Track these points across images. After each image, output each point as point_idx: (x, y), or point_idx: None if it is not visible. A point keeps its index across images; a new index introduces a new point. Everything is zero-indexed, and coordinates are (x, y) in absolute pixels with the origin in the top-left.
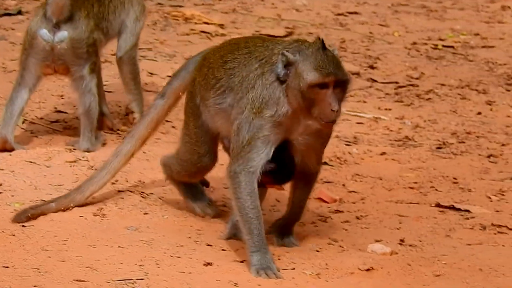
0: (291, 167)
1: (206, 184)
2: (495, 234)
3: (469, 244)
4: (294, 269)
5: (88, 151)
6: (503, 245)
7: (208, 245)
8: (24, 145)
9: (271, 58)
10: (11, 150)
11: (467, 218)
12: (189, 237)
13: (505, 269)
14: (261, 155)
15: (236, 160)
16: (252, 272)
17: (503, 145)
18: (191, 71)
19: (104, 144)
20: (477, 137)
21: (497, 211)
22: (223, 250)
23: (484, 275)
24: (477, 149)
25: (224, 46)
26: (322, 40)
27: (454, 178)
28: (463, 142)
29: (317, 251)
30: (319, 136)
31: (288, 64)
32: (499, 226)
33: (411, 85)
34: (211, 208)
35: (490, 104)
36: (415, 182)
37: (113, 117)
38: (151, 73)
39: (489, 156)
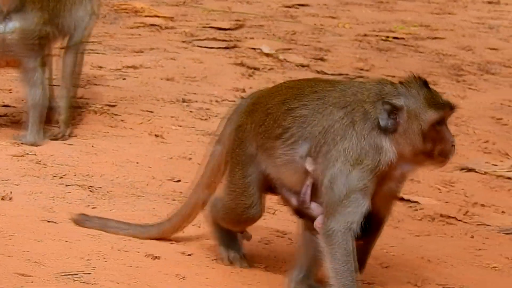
0: (371, 217)
1: (248, 237)
2: (443, 225)
3: (418, 236)
4: None
5: (34, 145)
6: (452, 236)
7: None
8: None
9: (360, 105)
10: None
11: (416, 210)
12: None
13: (454, 260)
14: (362, 209)
15: (333, 216)
16: None
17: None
18: (237, 116)
19: (53, 139)
20: None
21: (446, 202)
22: (171, 243)
23: (432, 266)
24: None
25: (281, 90)
26: (423, 78)
27: None
28: None
29: None
30: (403, 181)
31: (393, 111)
32: (448, 217)
33: (360, 77)
34: (243, 262)
35: None
36: None
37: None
38: (100, 67)
39: None
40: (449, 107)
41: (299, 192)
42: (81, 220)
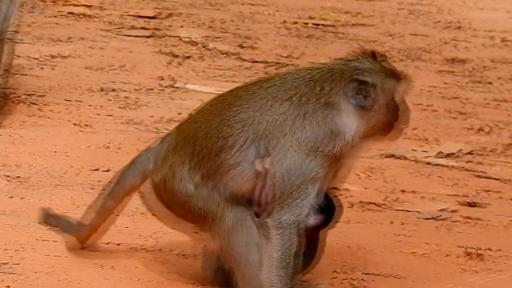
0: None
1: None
2: (363, 211)
3: (337, 222)
4: None
5: None
6: (371, 222)
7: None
8: None
9: (309, 91)
10: None
11: (335, 196)
12: None
13: (373, 246)
14: (310, 200)
15: (281, 208)
16: None
17: None
18: (152, 165)
19: None
20: None
21: (366, 188)
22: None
23: (352, 252)
24: None
25: (205, 110)
26: (371, 51)
27: None
28: None
29: None
30: (356, 157)
31: (362, 88)
32: (367, 203)
33: (279, 63)
34: None
35: None
36: None
37: None
38: (18, 56)
39: None
40: (406, 76)
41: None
42: None
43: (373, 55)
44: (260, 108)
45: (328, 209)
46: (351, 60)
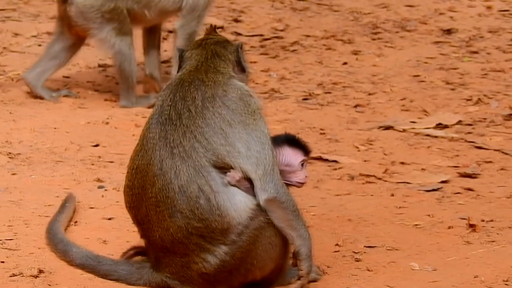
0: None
1: None
2: (363, 184)
3: (338, 195)
4: None
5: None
6: (372, 195)
7: (78, 202)
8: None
9: (206, 79)
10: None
11: (335, 169)
12: (57, 196)
13: (374, 219)
14: (274, 157)
15: (265, 180)
16: (312, 277)
17: (369, 94)
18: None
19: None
20: (344, 87)
21: (365, 160)
22: (91, 208)
23: (353, 225)
24: (344, 99)
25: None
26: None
27: (321, 129)
28: (330, 93)
29: None
30: None
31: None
32: (367, 175)
33: (276, 37)
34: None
35: (356, 54)
36: None
37: None
38: (16, 34)
39: (356, 106)
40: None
41: None
42: None
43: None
44: (180, 110)
45: None
46: (213, 37)
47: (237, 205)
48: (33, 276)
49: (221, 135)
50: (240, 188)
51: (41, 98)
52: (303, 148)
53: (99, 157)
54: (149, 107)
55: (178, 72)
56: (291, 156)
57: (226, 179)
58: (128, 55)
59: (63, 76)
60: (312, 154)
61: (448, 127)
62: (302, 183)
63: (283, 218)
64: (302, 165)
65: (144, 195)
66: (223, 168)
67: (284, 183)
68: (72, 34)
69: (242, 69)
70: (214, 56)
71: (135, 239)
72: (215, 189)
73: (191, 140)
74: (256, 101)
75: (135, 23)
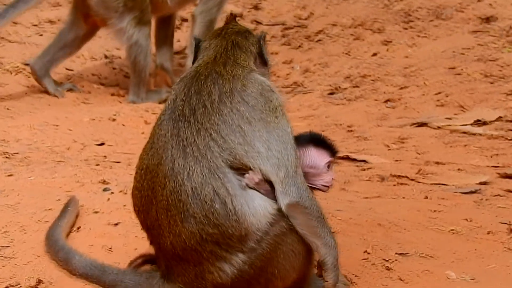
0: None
1: None
2: (394, 185)
3: (367, 198)
4: None
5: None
6: (404, 198)
7: (81, 206)
8: None
9: (227, 74)
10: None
11: (364, 169)
12: (58, 200)
13: (406, 223)
14: (298, 159)
15: (287, 183)
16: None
17: (401, 88)
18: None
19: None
20: (373, 80)
21: (397, 160)
22: (96, 212)
23: (383, 230)
24: (374, 94)
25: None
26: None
27: (349, 126)
28: (358, 87)
29: None
30: None
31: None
32: (399, 176)
33: (299, 26)
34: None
35: (386, 44)
36: None
37: None
38: (15, 23)
39: (386, 101)
40: None
41: None
42: None
43: (234, 18)
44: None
45: None
46: (233, 27)
47: (256, 209)
48: (31, 287)
49: (239, 133)
50: (259, 191)
51: (45, 90)
52: (329, 148)
53: (105, 156)
54: (160, 102)
55: (193, 63)
56: (316, 157)
57: (244, 181)
58: (144, 47)
59: (66, 69)
60: (340, 154)
61: (487, 123)
62: (328, 187)
63: (306, 224)
64: (328, 166)
65: (154, 197)
66: (241, 169)
67: (308, 186)
68: (87, 24)
69: (264, 62)
70: (235, 47)
71: (144, 246)
72: (231, 192)
73: (206, 138)
74: (278, 97)
75: (154, 12)
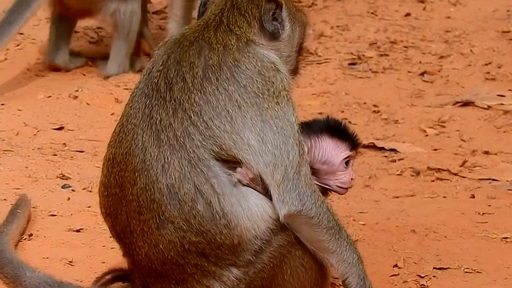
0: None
1: None
2: (432, 181)
3: (397, 197)
4: None
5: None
6: (444, 197)
7: (33, 207)
8: None
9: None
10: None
11: (394, 161)
12: (4, 200)
13: (447, 230)
14: (303, 155)
15: (285, 187)
16: None
17: (441, 57)
18: None
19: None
20: (406, 47)
21: (435, 149)
22: (53, 215)
23: (418, 239)
24: (406, 64)
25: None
26: None
27: (375, 106)
28: (386, 55)
29: None
30: None
31: (274, 11)
32: (438, 170)
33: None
34: None
35: (422, 2)
36: (320, 113)
37: None
38: None
39: (422, 74)
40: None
41: None
42: None
43: None
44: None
45: None
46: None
47: (252, 211)
48: None
49: (225, 118)
50: (256, 189)
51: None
52: (349, 139)
53: (64, 144)
54: (139, 71)
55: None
56: (331, 150)
57: (235, 176)
58: (138, 13)
59: (19, 34)
60: (364, 141)
61: None
62: (346, 188)
63: (313, 238)
64: (346, 163)
65: (123, 197)
66: (231, 162)
67: (321, 187)
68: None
69: (271, 31)
70: (233, 8)
71: (114, 258)
72: (218, 189)
73: (185, 121)
74: (284, 77)
75: None
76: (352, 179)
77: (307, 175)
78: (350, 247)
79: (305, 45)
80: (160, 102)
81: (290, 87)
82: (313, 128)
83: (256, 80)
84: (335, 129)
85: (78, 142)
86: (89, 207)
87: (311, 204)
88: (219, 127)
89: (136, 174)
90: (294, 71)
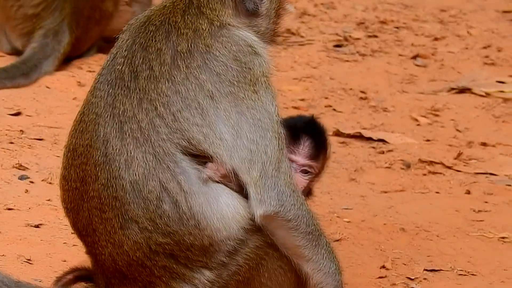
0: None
1: None
2: (424, 175)
3: (386, 192)
4: None
5: None
6: (437, 192)
7: None
8: None
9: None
10: None
11: (382, 152)
12: None
13: (440, 228)
14: (283, 151)
15: (263, 186)
16: None
17: (436, 39)
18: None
19: None
20: (397, 28)
21: (428, 140)
22: (9, 209)
23: (408, 238)
24: (397, 47)
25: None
26: None
27: (362, 92)
28: (376, 37)
29: None
30: None
31: None
32: (431, 163)
33: None
34: None
35: None
36: (302, 99)
37: None
38: None
39: (415, 57)
40: None
41: None
42: None
43: None
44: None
45: None
46: None
47: (223, 212)
48: None
49: (196, 110)
50: (228, 186)
51: None
52: (310, 147)
53: (21, 131)
54: None
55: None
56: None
57: (204, 172)
58: None
59: None
60: (348, 130)
61: None
62: None
63: (288, 243)
64: (303, 171)
65: (84, 192)
66: (200, 156)
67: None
68: None
69: (252, 10)
70: None
71: (76, 256)
72: (186, 187)
73: (150, 113)
74: (263, 61)
75: None
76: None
77: (287, 173)
78: (328, 255)
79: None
80: (124, 91)
81: (270, 72)
82: (290, 121)
83: (231, 67)
84: (294, 128)
85: (36, 129)
86: (49, 200)
87: (290, 205)
88: (188, 119)
89: (98, 169)
90: (273, 40)
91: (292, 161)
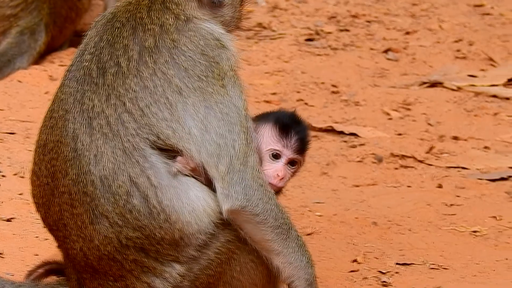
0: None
1: None
2: (396, 169)
3: (357, 186)
4: None
5: None
6: (409, 186)
7: None
8: None
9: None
10: None
11: (354, 146)
12: None
13: (412, 222)
14: (251, 144)
15: (230, 180)
16: None
17: (407, 33)
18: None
19: None
20: (368, 22)
21: (400, 134)
22: None
23: (380, 232)
24: (369, 41)
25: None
26: None
27: (334, 86)
28: (347, 31)
29: None
30: None
31: None
32: (403, 157)
33: None
34: None
35: None
36: (274, 93)
37: None
38: None
39: (386, 51)
40: None
41: None
42: None
43: None
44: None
45: None
46: None
47: (194, 205)
48: None
49: (164, 105)
50: (198, 179)
51: None
52: (290, 138)
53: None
54: None
55: None
56: (264, 137)
57: (174, 166)
58: None
59: None
60: (319, 124)
61: None
62: (273, 184)
63: (257, 237)
64: (274, 156)
65: (55, 188)
66: (169, 151)
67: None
68: None
69: (217, 1)
70: None
71: (48, 250)
72: (155, 182)
73: (118, 108)
74: (230, 55)
75: None
76: (278, 175)
77: (254, 167)
78: (299, 249)
79: None
80: (92, 88)
81: (238, 65)
82: (267, 115)
83: (199, 62)
84: (283, 122)
85: (8, 123)
86: (20, 194)
87: (257, 200)
88: (156, 114)
89: (67, 164)
90: (239, 27)
91: (281, 154)
